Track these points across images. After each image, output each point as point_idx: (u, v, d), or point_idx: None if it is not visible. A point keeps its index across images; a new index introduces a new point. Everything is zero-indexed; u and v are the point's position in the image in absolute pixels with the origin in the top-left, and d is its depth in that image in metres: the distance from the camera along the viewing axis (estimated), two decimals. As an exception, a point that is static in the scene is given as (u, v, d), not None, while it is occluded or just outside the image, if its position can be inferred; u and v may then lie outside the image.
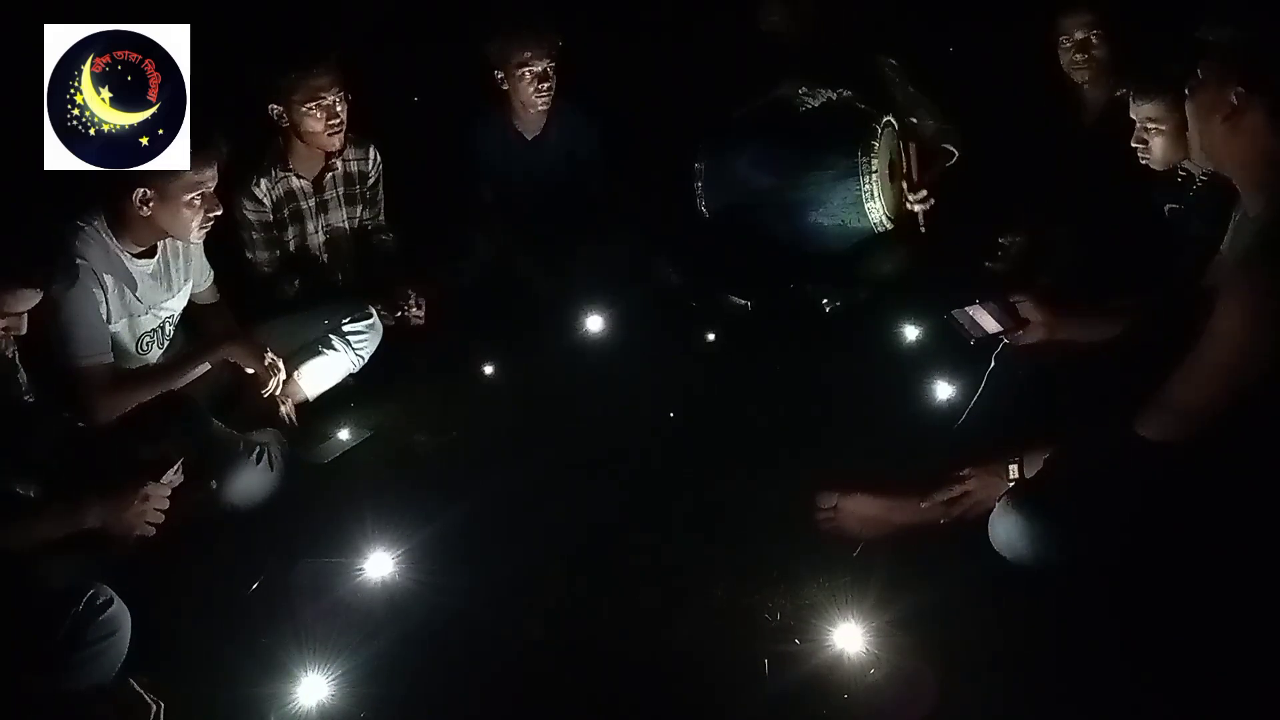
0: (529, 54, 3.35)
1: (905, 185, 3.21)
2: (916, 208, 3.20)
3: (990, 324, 2.39)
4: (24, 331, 2.10)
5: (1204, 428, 1.81)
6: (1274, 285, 1.74)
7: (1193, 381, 1.83)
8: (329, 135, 3.01)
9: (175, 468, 2.14)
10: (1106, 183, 2.82)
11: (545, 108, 3.46)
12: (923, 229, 3.21)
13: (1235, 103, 1.82)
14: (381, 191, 3.32)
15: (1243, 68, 1.82)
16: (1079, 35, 2.96)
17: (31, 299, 2.06)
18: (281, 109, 2.97)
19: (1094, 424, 1.97)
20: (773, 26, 3.47)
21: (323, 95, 2.94)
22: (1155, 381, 1.88)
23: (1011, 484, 2.06)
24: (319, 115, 2.96)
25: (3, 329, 2.07)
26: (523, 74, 3.38)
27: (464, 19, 3.62)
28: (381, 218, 3.34)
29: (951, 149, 3.37)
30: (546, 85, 3.39)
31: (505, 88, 3.44)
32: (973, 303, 2.42)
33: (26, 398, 2.27)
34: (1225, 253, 2.04)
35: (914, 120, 3.39)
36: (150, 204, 2.39)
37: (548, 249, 3.52)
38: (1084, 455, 1.97)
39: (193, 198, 2.43)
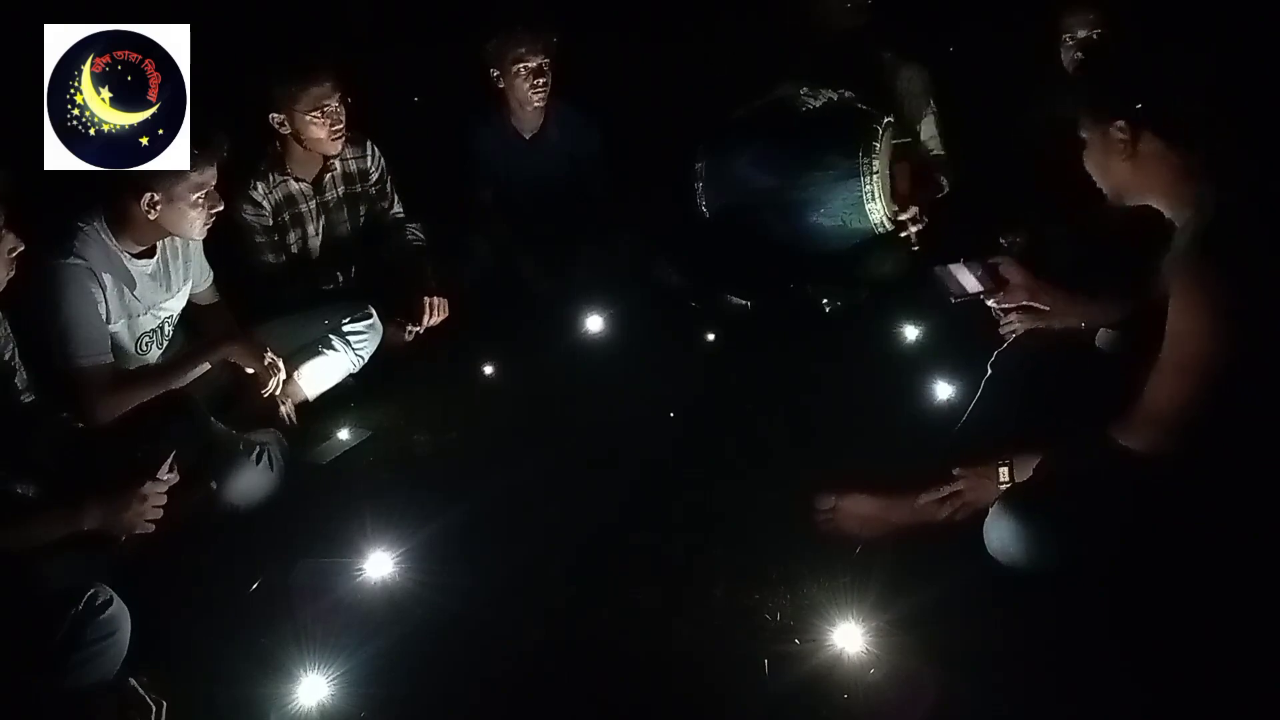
0: (524, 50, 3.37)
1: (897, 203, 3.22)
2: (910, 228, 3.22)
3: (971, 283, 2.45)
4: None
5: (1184, 433, 1.83)
6: (1214, 281, 1.79)
7: (1159, 387, 1.86)
8: (332, 140, 3.02)
9: (168, 463, 2.14)
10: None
11: (541, 104, 3.47)
12: (915, 247, 3.24)
13: (1125, 138, 1.87)
14: (391, 185, 3.32)
15: (1119, 104, 1.88)
16: (1081, 34, 2.95)
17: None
18: (283, 117, 2.97)
19: (1085, 428, 1.97)
20: (791, 22, 3.49)
21: (326, 102, 2.96)
22: (1136, 388, 1.89)
23: (1002, 486, 2.06)
24: (322, 122, 2.97)
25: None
26: (518, 70, 3.39)
27: (462, 18, 3.63)
28: (400, 210, 3.34)
29: (943, 180, 3.40)
30: (542, 81, 3.40)
31: (501, 85, 3.44)
32: (956, 260, 2.47)
33: (26, 398, 2.27)
34: (1166, 261, 2.05)
35: (913, 141, 3.41)
36: (157, 207, 2.40)
37: (548, 249, 3.52)
38: (1076, 459, 1.97)
39: (198, 197, 2.43)
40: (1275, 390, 1.81)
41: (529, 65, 3.38)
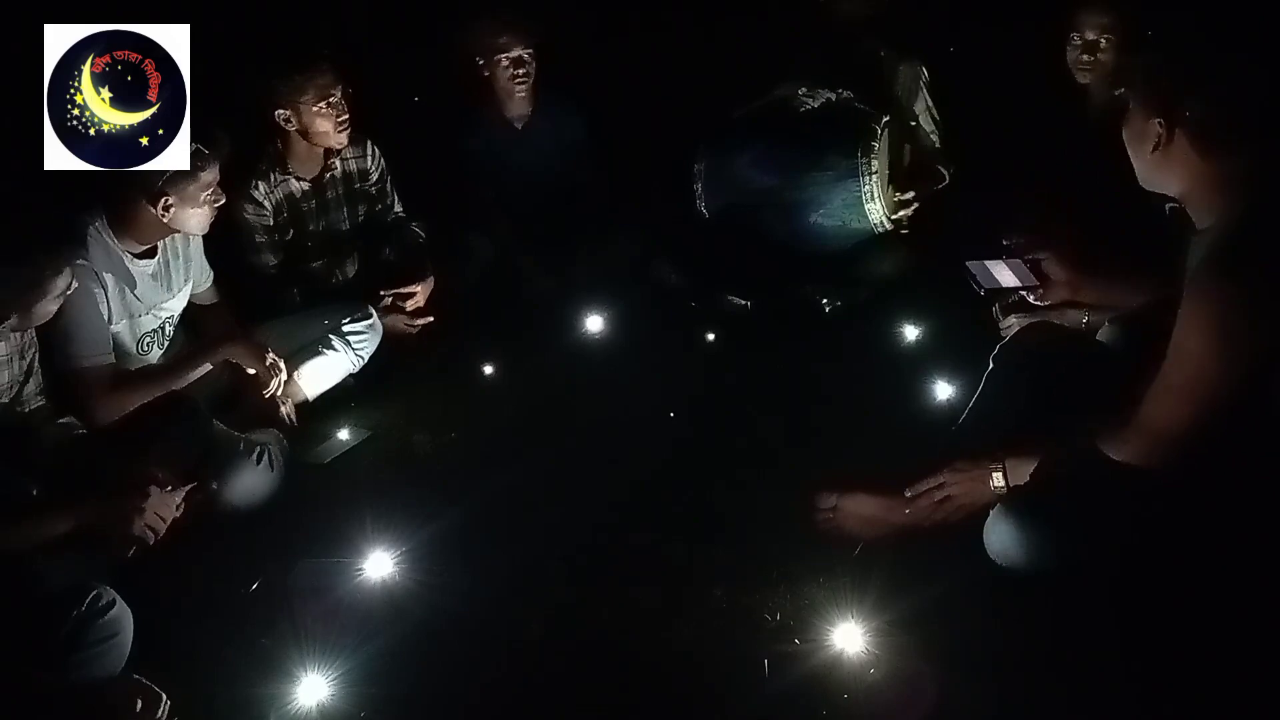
0: (505, 41, 3.41)
1: (894, 186, 3.24)
2: (901, 211, 3.23)
3: (1008, 278, 2.43)
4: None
5: (1178, 454, 1.80)
6: (1229, 302, 1.74)
7: (1158, 406, 1.82)
8: (339, 131, 3.03)
9: (183, 491, 2.14)
10: (1108, 182, 2.81)
11: (525, 94, 3.50)
12: (904, 230, 3.25)
13: (1160, 133, 1.84)
14: (391, 184, 3.32)
15: (1159, 99, 1.84)
16: (1089, 35, 2.94)
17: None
18: (289, 113, 2.97)
19: (1086, 428, 1.97)
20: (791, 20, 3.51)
21: (331, 92, 2.97)
22: (1128, 393, 1.87)
23: (996, 488, 2.06)
24: (329, 113, 2.98)
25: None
26: (499, 60, 3.43)
27: (459, 18, 3.64)
28: (400, 210, 3.35)
29: (944, 172, 3.41)
30: (524, 71, 3.44)
31: (487, 75, 3.48)
32: (994, 258, 2.46)
33: (38, 401, 2.28)
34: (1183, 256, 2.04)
35: (914, 129, 3.42)
36: (171, 209, 2.42)
37: (548, 249, 3.53)
38: (1075, 462, 1.96)
39: (206, 195, 2.45)
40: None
41: (510, 55, 3.42)
